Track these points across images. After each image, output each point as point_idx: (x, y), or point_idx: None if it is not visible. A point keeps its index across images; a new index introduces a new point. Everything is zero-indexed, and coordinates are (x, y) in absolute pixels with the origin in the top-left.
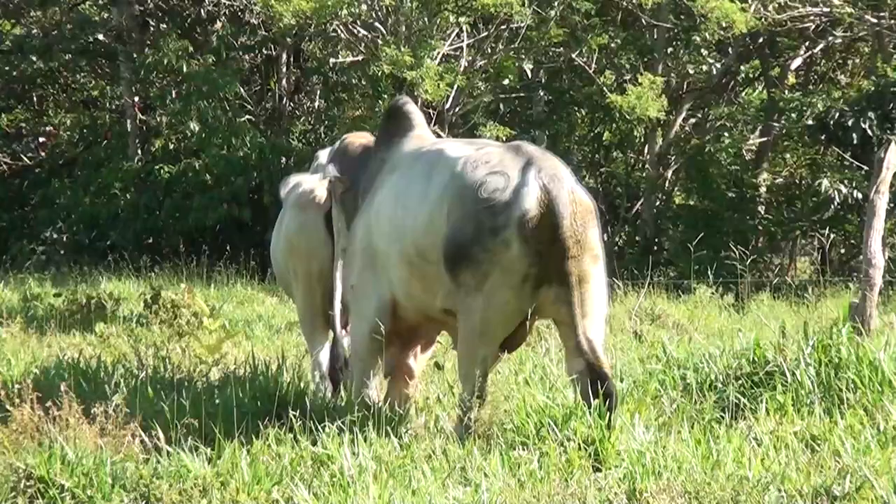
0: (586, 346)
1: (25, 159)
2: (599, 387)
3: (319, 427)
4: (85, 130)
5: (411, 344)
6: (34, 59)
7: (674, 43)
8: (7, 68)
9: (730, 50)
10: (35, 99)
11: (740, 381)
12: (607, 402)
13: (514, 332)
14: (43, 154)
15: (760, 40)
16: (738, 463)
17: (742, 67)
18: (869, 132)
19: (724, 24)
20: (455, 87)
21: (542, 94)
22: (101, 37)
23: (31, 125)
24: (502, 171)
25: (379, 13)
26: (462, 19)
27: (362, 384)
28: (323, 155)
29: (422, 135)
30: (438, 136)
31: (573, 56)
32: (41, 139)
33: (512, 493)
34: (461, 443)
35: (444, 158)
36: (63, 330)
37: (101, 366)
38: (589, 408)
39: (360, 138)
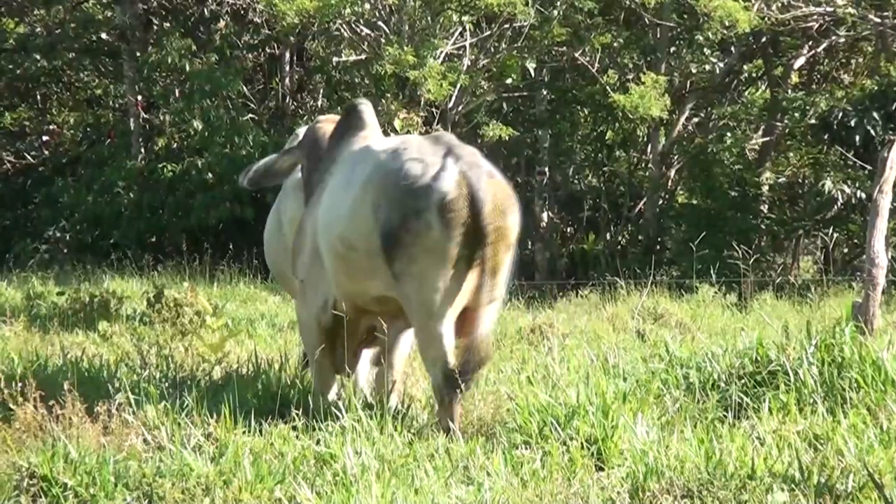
0: (479, 334)
1: (29, 158)
2: (464, 376)
3: (322, 426)
4: (88, 129)
5: (355, 337)
6: (38, 57)
7: (677, 42)
8: (11, 67)
9: (733, 49)
10: (39, 97)
11: (743, 381)
12: (460, 387)
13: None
14: (46, 152)
15: (763, 40)
16: (741, 462)
17: (745, 67)
18: (872, 132)
19: (727, 24)
20: (458, 86)
21: (544, 93)
22: (104, 35)
23: (34, 124)
24: (421, 158)
25: (382, 12)
26: (465, 18)
27: (319, 379)
28: (302, 132)
29: (370, 135)
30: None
31: (576, 55)
32: (45, 138)
33: (514, 493)
34: (454, 434)
35: (367, 152)
36: (66, 328)
37: (103, 364)
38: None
39: (331, 124)
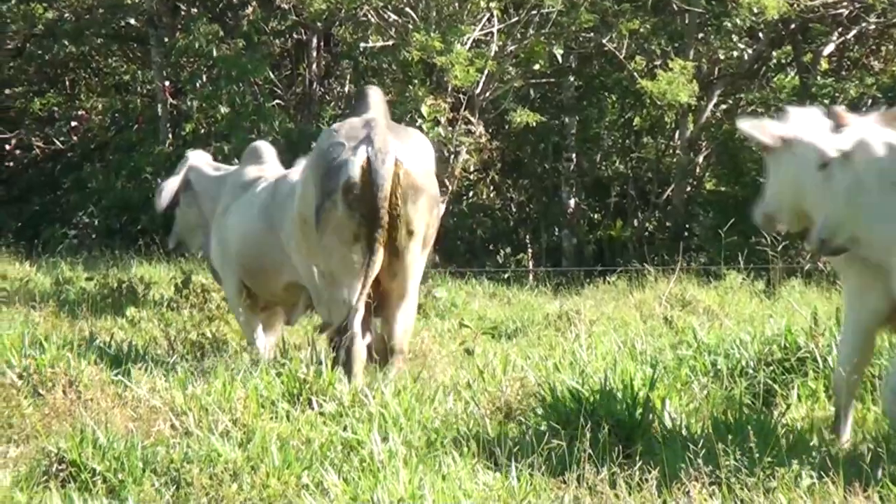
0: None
1: (58, 143)
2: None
3: (349, 412)
4: (116, 114)
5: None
6: (66, 43)
7: (705, 28)
8: (39, 52)
9: (761, 35)
10: (67, 83)
11: (771, 368)
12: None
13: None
14: (75, 138)
15: (792, 26)
16: (769, 449)
17: (774, 53)
18: None
19: (755, 10)
20: (485, 72)
21: (572, 79)
22: (132, 21)
23: (63, 109)
24: (342, 142)
25: None
26: (492, 4)
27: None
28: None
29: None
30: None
31: (604, 41)
32: (73, 123)
33: (542, 479)
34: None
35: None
36: (94, 314)
37: (132, 350)
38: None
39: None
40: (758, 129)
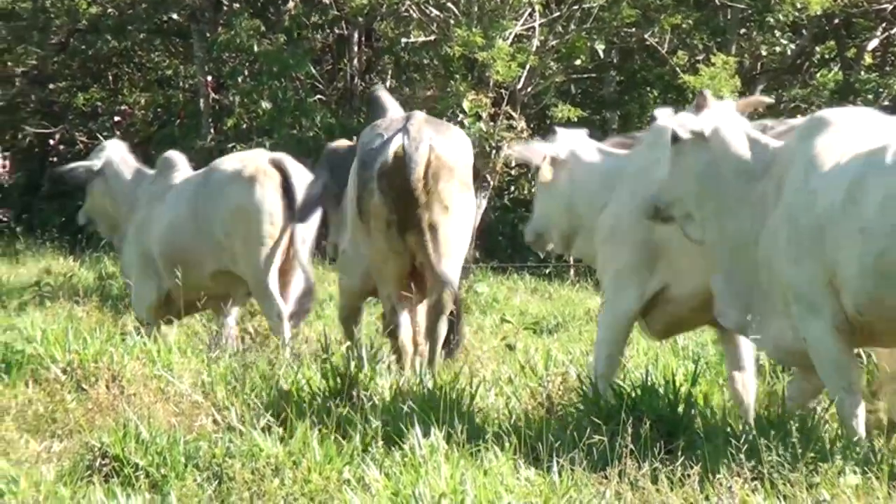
0: (444, 279)
1: (101, 138)
2: (445, 319)
3: (390, 406)
4: (159, 109)
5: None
6: (109, 38)
7: (747, 24)
8: (83, 47)
9: (804, 31)
10: (110, 78)
11: None
12: (454, 338)
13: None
14: (118, 133)
15: (836, 21)
16: (812, 445)
17: (817, 48)
18: None
19: (798, 5)
20: (527, 67)
21: (613, 74)
22: (175, 16)
23: (106, 104)
24: (381, 133)
25: None
26: None
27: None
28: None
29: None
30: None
31: (646, 36)
32: (116, 118)
33: (583, 474)
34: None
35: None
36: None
37: (174, 345)
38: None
39: (343, 145)
40: (528, 151)
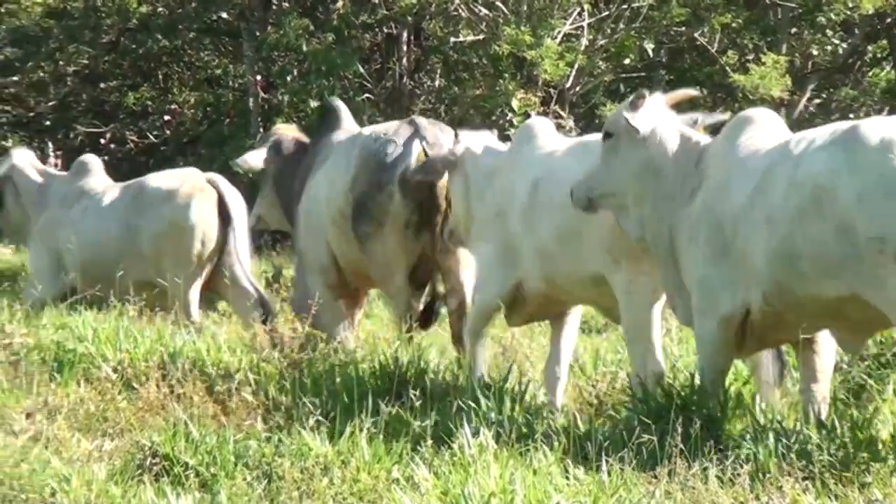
0: (458, 287)
1: (151, 137)
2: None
3: (439, 406)
4: (208, 108)
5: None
6: (159, 37)
7: (798, 23)
8: (133, 46)
9: (856, 30)
10: (160, 77)
11: (867, 363)
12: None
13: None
14: (168, 132)
15: (888, 20)
16: (864, 444)
17: (869, 47)
18: None
19: (850, 4)
20: (575, 66)
21: (663, 73)
22: (224, 15)
23: (156, 103)
24: (393, 140)
25: None
26: None
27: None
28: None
29: (349, 129)
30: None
31: (695, 35)
32: (166, 117)
33: (632, 473)
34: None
35: (357, 138)
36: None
37: (223, 344)
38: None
39: (291, 131)
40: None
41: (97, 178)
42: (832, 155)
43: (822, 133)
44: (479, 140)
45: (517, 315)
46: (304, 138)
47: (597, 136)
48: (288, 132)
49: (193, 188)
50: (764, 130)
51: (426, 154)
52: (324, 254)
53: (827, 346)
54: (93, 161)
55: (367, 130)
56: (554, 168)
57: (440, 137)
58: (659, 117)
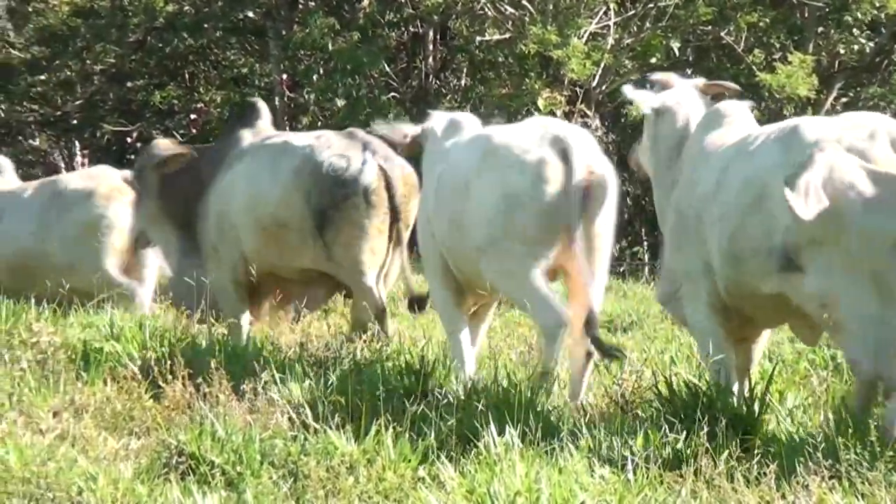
0: (412, 283)
1: (177, 136)
2: (417, 308)
3: (465, 405)
4: (235, 107)
5: (264, 296)
6: (186, 36)
7: (825, 22)
8: (160, 45)
9: (883, 29)
10: (186, 76)
11: None
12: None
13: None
14: (194, 131)
15: None
16: (892, 442)
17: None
18: None
19: (877, 3)
20: (601, 65)
21: (689, 72)
22: (250, 14)
23: (182, 102)
24: (344, 154)
25: None
26: None
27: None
28: None
29: (264, 130)
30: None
31: (722, 34)
32: (192, 116)
33: (658, 472)
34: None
35: (290, 146)
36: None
37: (249, 342)
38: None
39: (171, 143)
40: (392, 132)
41: (6, 178)
42: (772, 152)
43: (773, 130)
44: (443, 119)
45: (463, 303)
46: (196, 147)
47: (493, 129)
48: (170, 143)
49: (111, 188)
50: (733, 125)
51: (382, 169)
52: (235, 251)
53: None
54: (2, 161)
55: (300, 140)
56: (452, 162)
57: (392, 154)
58: (675, 100)
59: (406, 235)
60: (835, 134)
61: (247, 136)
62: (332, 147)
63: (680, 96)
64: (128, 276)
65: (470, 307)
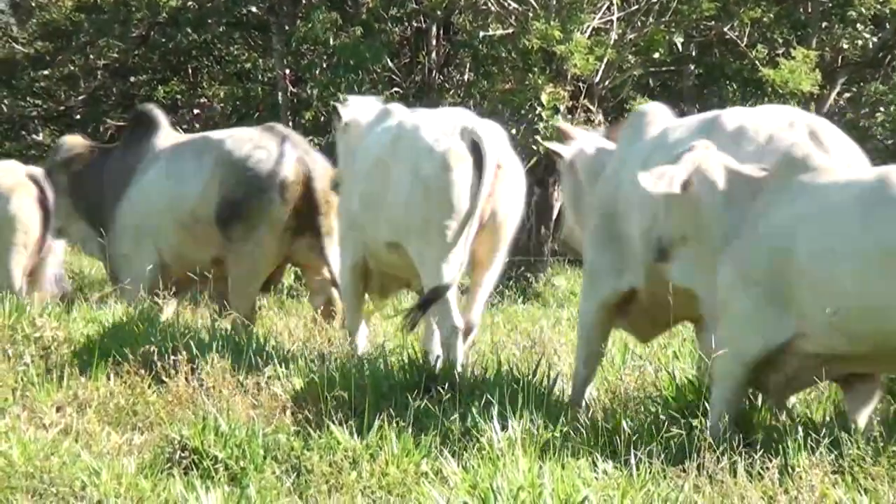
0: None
1: (180, 131)
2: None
3: (468, 400)
4: (238, 102)
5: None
6: (189, 31)
7: (828, 17)
8: (163, 40)
9: (886, 24)
10: (190, 71)
11: None
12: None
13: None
14: (197, 126)
15: None
16: (894, 437)
17: None
18: None
19: None
20: (605, 60)
21: (692, 67)
22: (253, 9)
23: (186, 97)
24: (264, 146)
25: None
26: None
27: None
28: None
29: (171, 134)
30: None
31: (725, 30)
32: (196, 111)
33: (661, 467)
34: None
35: (209, 142)
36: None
37: (253, 337)
38: None
39: (82, 140)
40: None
41: None
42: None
43: (692, 121)
44: (365, 106)
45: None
46: (100, 146)
47: (407, 116)
48: (78, 141)
49: (16, 183)
50: (654, 123)
51: (304, 163)
52: (148, 255)
53: None
54: None
55: (218, 135)
56: (363, 146)
57: (310, 147)
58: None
59: (331, 229)
60: (755, 125)
61: (155, 143)
62: (251, 140)
63: (583, 144)
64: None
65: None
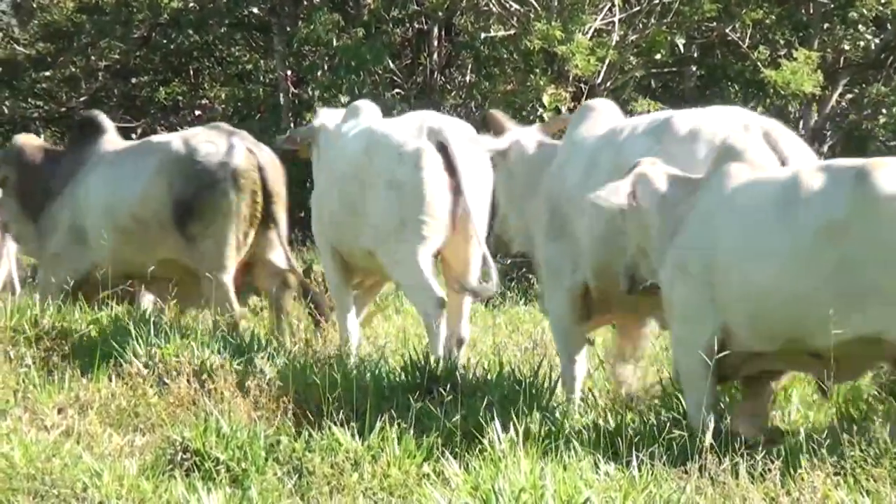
0: (293, 264)
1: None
2: (306, 293)
3: (469, 401)
4: (239, 103)
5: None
6: (190, 32)
7: (830, 18)
8: (164, 41)
9: (888, 25)
10: (191, 72)
11: None
12: (317, 308)
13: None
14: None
15: None
16: None
17: None
18: None
19: (882, 0)
20: (606, 61)
21: (694, 69)
22: (255, 10)
23: (187, 98)
24: (211, 140)
25: None
26: None
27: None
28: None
29: (114, 139)
30: None
31: (726, 31)
32: (197, 112)
33: (663, 469)
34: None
35: (152, 145)
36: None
37: (254, 339)
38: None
39: (34, 140)
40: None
41: None
42: (643, 143)
43: (643, 121)
44: (332, 117)
45: (350, 283)
46: (51, 148)
47: (376, 122)
48: (30, 141)
49: None
50: (601, 119)
51: (253, 153)
52: (78, 257)
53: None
54: None
55: (163, 138)
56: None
57: (255, 140)
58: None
59: (283, 218)
60: (709, 128)
61: (98, 148)
62: (196, 137)
63: (520, 136)
64: None
65: (357, 286)
